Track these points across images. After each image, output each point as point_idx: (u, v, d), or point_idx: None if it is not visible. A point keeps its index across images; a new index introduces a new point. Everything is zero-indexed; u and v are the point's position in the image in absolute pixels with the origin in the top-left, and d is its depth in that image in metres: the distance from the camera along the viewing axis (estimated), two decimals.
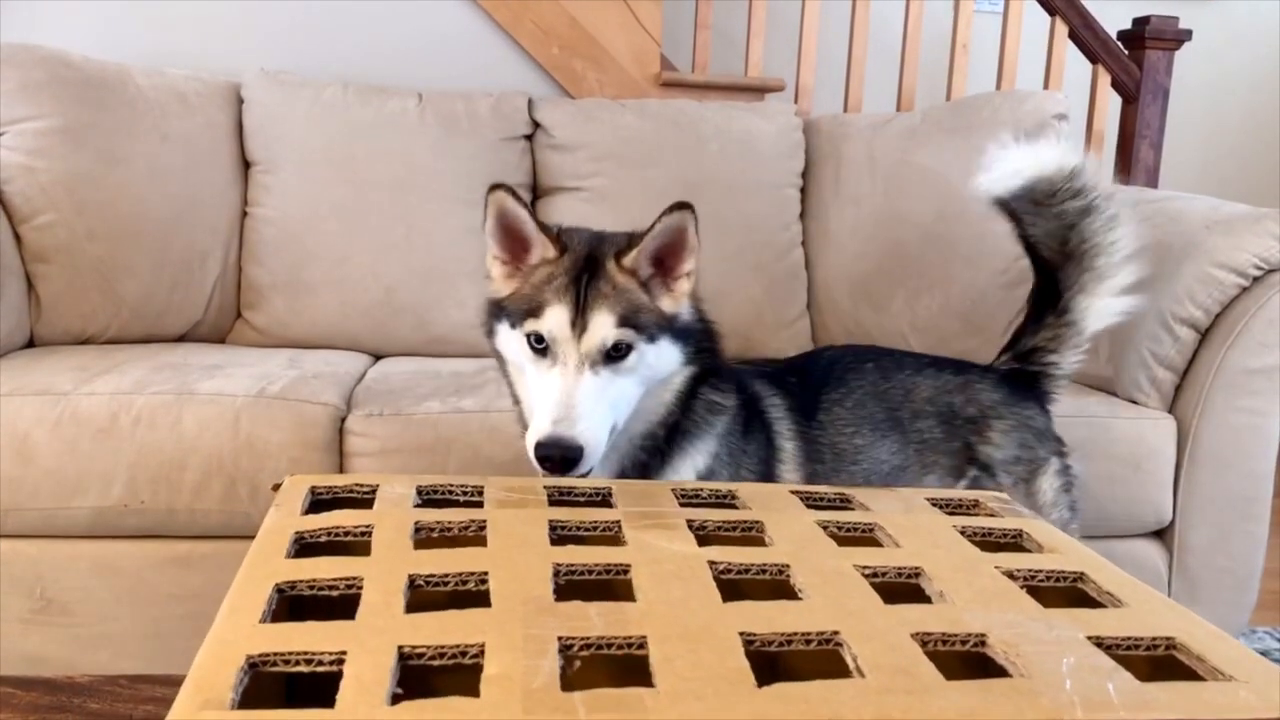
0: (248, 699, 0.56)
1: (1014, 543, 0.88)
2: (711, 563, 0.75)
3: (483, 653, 0.60)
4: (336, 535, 0.80)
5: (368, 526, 0.80)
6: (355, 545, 0.78)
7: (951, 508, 0.96)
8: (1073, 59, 3.08)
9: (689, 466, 1.37)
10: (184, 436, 1.74)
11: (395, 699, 0.55)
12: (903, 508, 0.94)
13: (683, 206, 1.27)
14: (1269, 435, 1.99)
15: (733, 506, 0.92)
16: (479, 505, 0.88)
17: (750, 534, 0.85)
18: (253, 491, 1.75)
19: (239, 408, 1.77)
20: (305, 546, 0.79)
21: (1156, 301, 1.98)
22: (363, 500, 0.88)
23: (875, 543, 0.85)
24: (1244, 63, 3.99)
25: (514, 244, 1.35)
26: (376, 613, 0.65)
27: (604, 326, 1.24)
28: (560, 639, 0.61)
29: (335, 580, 0.70)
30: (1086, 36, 3.05)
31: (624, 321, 1.25)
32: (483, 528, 0.81)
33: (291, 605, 0.70)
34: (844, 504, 0.95)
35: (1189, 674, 0.65)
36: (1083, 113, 3.05)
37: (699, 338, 1.36)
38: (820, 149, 2.63)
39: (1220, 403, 1.95)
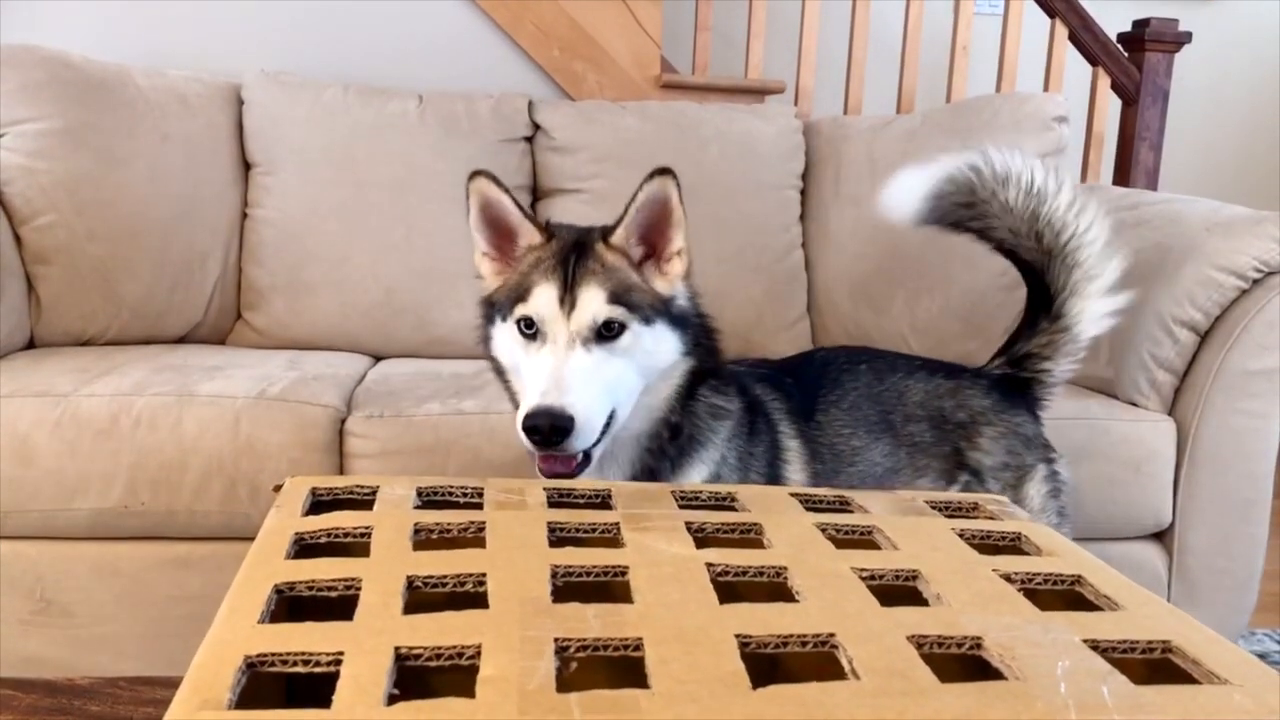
0: (246, 699, 0.56)
1: (1012, 546, 0.89)
2: (709, 565, 0.75)
3: (479, 654, 0.60)
4: (336, 536, 0.80)
5: (367, 528, 0.80)
6: (355, 546, 0.78)
7: (950, 510, 0.96)
8: (1072, 61, 3.08)
9: (697, 474, 1.35)
10: (184, 438, 1.74)
11: (392, 699, 0.55)
12: (902, 510, 0.94)
13: (663, 172, 1.24)
14: (1269, 437, 1.99)
15: (732, 509, 0.92)
16: (478, 507, 0.88)
17: (749, 536, 0.86)
18: (252, 493, 1.75)
19: (239, 409, 1.77)
20: (305, 547, 0.79)
21: (1156, 304, 1.98)
22: (363, 501, 0.88)
23: (873, 545, 0.85)
24: (1244, 64, 3.99)
25: (500, 235, 1.33)
26: (374, 614, 0.65)
27: (594, 302, 1.22)
28: (557, 640, 0.62)
29: (334, 581, 0.71)
30: (1086, 39, 3.05)
31: (615, 299, 1.22)
32: (482, 529, 0.82)
33: (291, 606, 0.70)
34: (843, 506, 0.95)
35: (1185, 677, 0.65)
36: (1083, 115, 3.06)
37: (697, 330, 1.34)
38: (820, 151, 2.63)
39: (1220, 405, 1.96)
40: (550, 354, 1.21)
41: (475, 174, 1.31)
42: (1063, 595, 0.78)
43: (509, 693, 0.55)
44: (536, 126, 2.54)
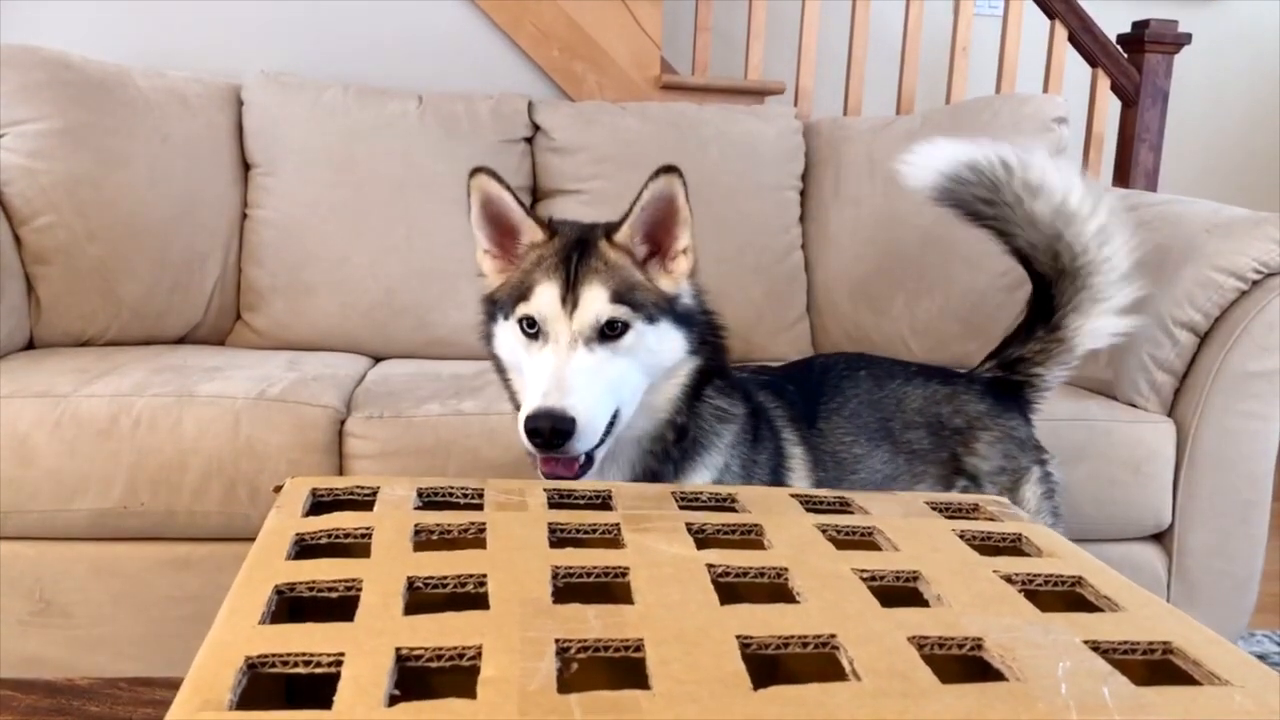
0: (246, 700, 0.56)
1: (1013, 547, 0.89)
2: (710, 566, 0.75)
3: (480, 655, 0.60)
4: (336, 537, 0.80)
5: (368, 528, 0.80)
6: (355, 547, 0.78)
7: (951, 512, 0.96)
8: (1072, 62, 3.09)
9: (700, 478, 1.34)
10: (184, 438, 1.74)
11: (393, 700, 0.55)
12: (902, 511, 0.94)
13: (669, 170, 1.23)
14: (1268, 438, 1.99)
15: (732, 509, 0.92)
16: (479, 508, 0.88)
17: (749, 537, 0.86)
18: (252, 493, 1.75)
19: (239, 410, 1.77)
20: (305, 548, 0.79)
21: (1156, 305, 1.99)
22: (363, 502, 0.88)
23: (874, 546, 0.85)
24: (1244, 65, 3.99)
25: (501, 232, 1.32)
26: (375, 614, 0.65)
27: (596, 301, 1.20)
28: (558, 641, 0.62)
29: (335, 582, 0.70)
30: (1086, 40, 3.05)
31: (618, 298, 1.21)
32: (482, 530, 0.82)
33: (291, 607, 0.70)
34: (843, 507, 0.95)
35: (1185, 678, 0.65)
36: (1082, 116, 3.06)
37: (703, 328, 1.32)
38: (820, 151, 2.63)
39: (1219, 406, 1.96)
40: (552, 354, 1.20)
41: (476, 171, 1.30)
42: (1063, 596, 0.78)
43: (510, 694, 0.55)
44: (536, 127, 2.54)
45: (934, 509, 0.96)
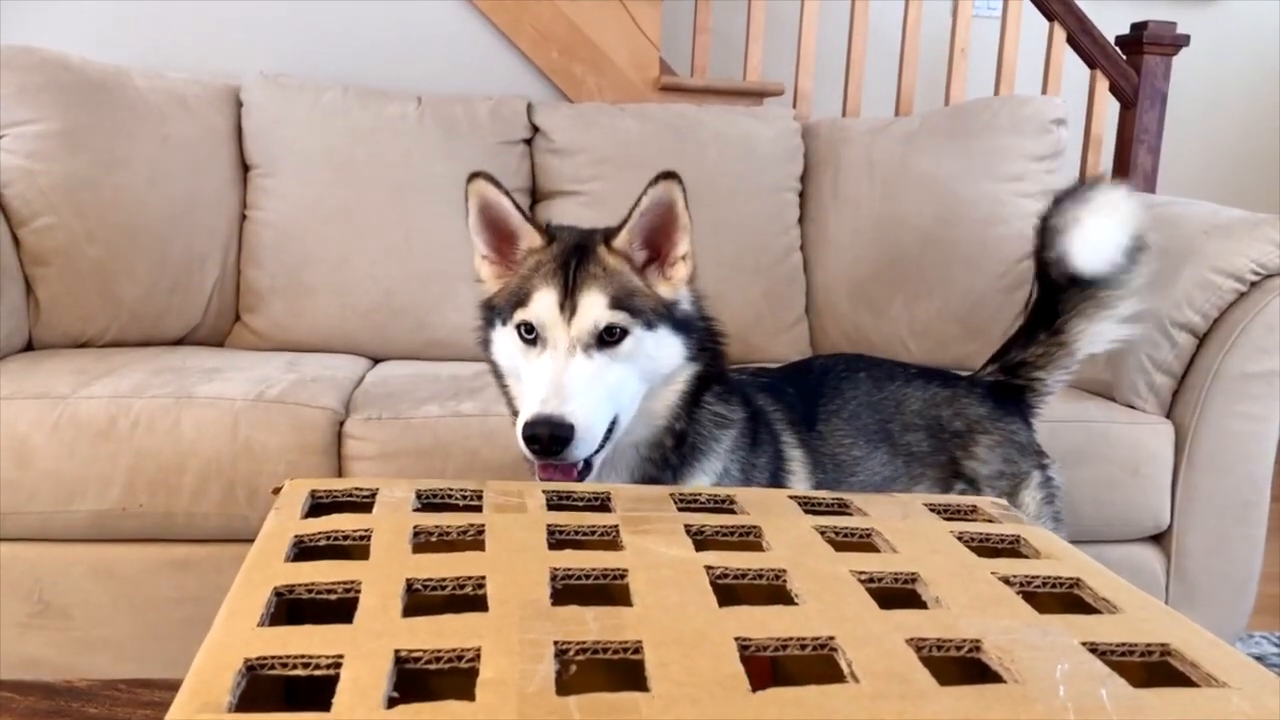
0: (245, 702, 0.56)
1: (1011, 548, 0.89)
2: (708, 567, 0.75)
3: (479, 657, 0.60)
4: (335, 539, 0.81)
5: (366, 530, 0.80)
6: (354, 549, 0.78)
7: (949, 513, 0.96)
8: (1071, 64, 3.09)
9: (699, 484, 1.33)
10: (182, 440, 1.74)
11: (391, 702, 0.55)
12: (900, 513, 0.94)
13: (669, 176, 1.22)
14: (1266, 440, 1.99)
15: (731, 511, 0.92)
16: (478, 509, 0.88)
17: (748, 539, 0.86)
18: (251, 495, 1.75)
19: (238, 411, 1.77)
20: (304, 550, 0.79)
21: (1155, 306, 1.99)
22: (362, 504, 0.88)
23: (872, 548, 0.85)
24: (1242, 67, 3.99)
25: (499, 237, 1.32)
26: (374, 616, 0.65)
27: (595, 308, 1.20)
28: (556, 643, 0.62)
29: (333, 584, 0.71)
30: (1084, 42, 3.06)
31: (617, 304, 1.20)
32: (481, 532, 0.82)
33: (290, 609, 0.70)
34: (842, 509, 0.95)
35: (1183, 680, 0.65)
36: (1081, 117, 3.06)
37: (702, 334, 1.32)
38: (819, 153, 2.63)
39: (1218, 408, 1.96)
40: (550, 360, 1.19)
41: (474, 175, 1.30)
42: (1061, 598, 0.78)
43: (508, 696, 0.55)
44: (535, 129, 2.54)
45: (932, 511, 0.96)
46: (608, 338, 1.21)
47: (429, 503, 0.90)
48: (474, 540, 0.80)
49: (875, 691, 0.58)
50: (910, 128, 2.57)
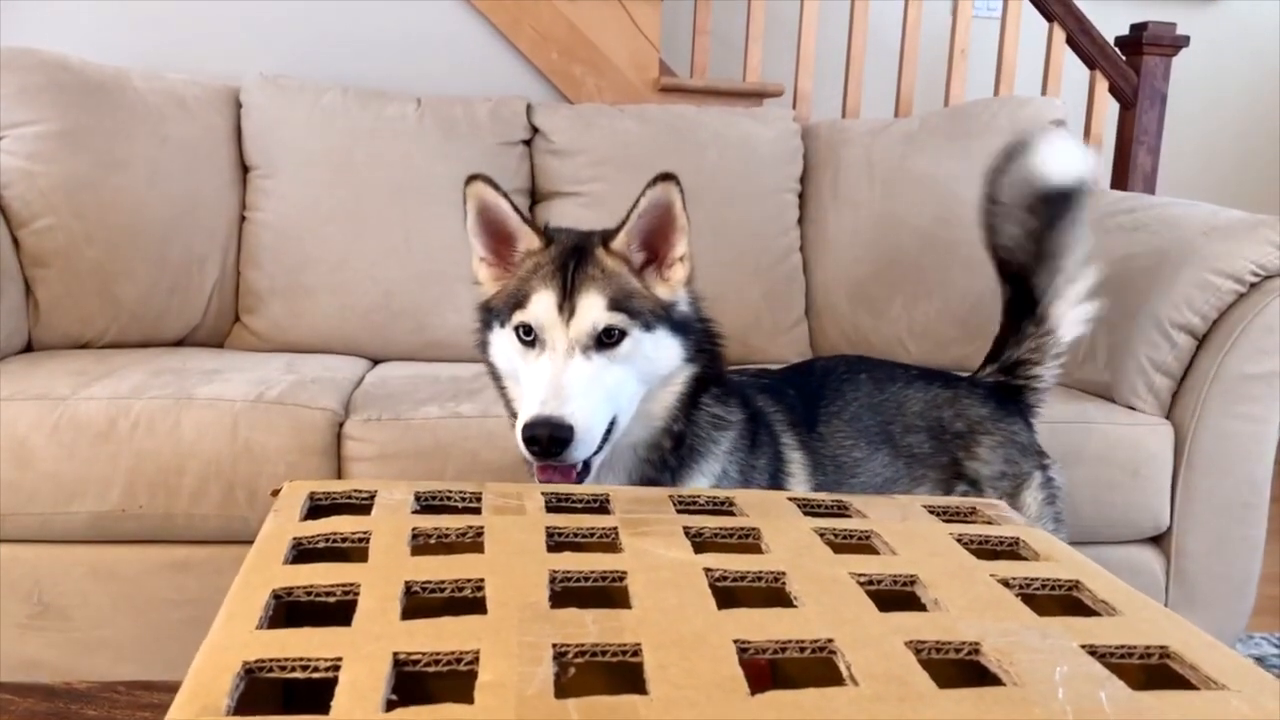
0: (244, 705, 0.57)
1: (1010, 550, 0.89)
2: (707, 570, 0.75)
3: (477, 659, 0.60)
4: (334, 541, 0.80)
5: (365, 533, 0.80)
6: (353, 551, 0.78)
7: (948, 515, 0.96)
8: (1070, 65, 3.09)
9: (698, 487, 1.33)
10: (182, 441, 1.74)
11: (390, 705, 0.55)
12: (900, 515, 0.94)
13: (666, 178, 1.23)
14: (1266, 441, 1.99)
15: (730, 513, 0.92)
16: (477, 512, 0.88)
17: (747, 541, 0.86)
18: (250, 496, 1.75)
19: (237, 413, 1.77)
20: (303, 552, 0.79)
21: (1154, 308, 1.99)
22: (361, 506, 0.88)
23: (872, 550, 0.85)
24: (1242, 68, 3.99)
25: (497, 240, 1.32)
26: (373, 619, 0.65)
27: (593, 309, 1.20)
28: (555, 646, 0.62)
29: (332, 586, 0.71)
30: (1084, 42, 3.06)
31: (615, 305, 1.21)
32: (480, 534, 0.82)
33: (289, 611, 0.70)
34: (841, 511, 0.95)
35: (1182, 683, 0.65)
36: (1081, 118, 3.06)
37: (700, 335, 1.32)
38: (819, 154, 2.63)
39: (1217, 409, 1.96)
40: (549, 361, 1.20)
41: (472, 178, 1.30)
42: (1060, 600, 0.78)
43: (507, 698, 0.55)
44: (535, 130, 2.54)
45: (932, 513, 0.96)
46: (606, 339, 1.21)
47: (428, 505, 0.90)
48: (473, 542, 0.80)
49: (874, 694, 0.58)
50: (910, 128, 2.57)
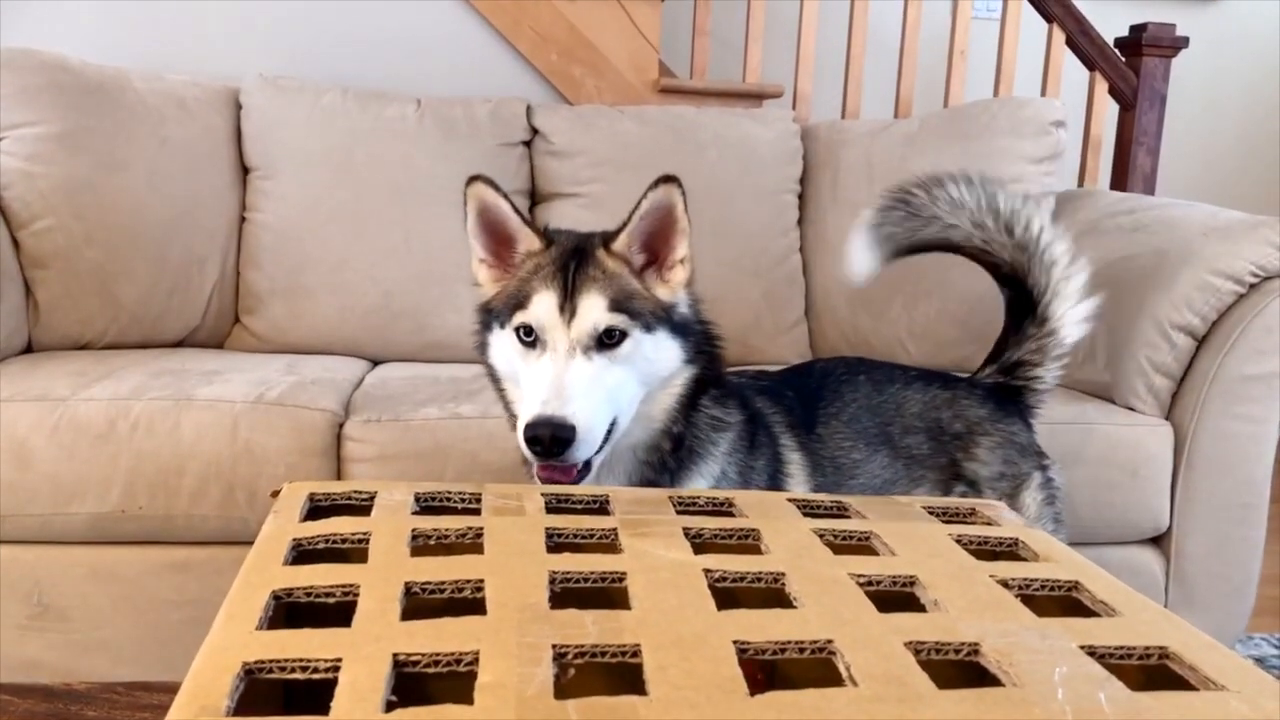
0: (243, 706, 0.56)
1: (1010, 551, 0.89)
2: (707, 570, 0.75)
3: (477, 660, 0.60)
4: (334, 542, 0.80)
5: (365, 533, 0.80)
6: (353, 552, 0.78)
7: (948, 516, 0.96)
8: (1070, 66, 3.09)
9: (697, 488, 1.33)
10: (182, 442, 1.74)
11: (390, 706, 0.55)
12: (899, 516, 0.94)
13: (669, 180, 1.23)
14: (1265, 442, 1.99)
15: (729, 514, 0.92)
16: (476, 512, 0.88)
17: (746, 541, 0.86)
18: (250, 497, 1.75)
19: (237, 413, 1.77)
20: (303, 553, 0.79)
21: (1153, 308, 1.99)
22: (361, 507, 0.88)
23: (871, 551, 0.85)
24: (1241, 68, 4.00)
25: (497, 241, 1.32)
26: (372, 620, 0.65)
27: (594, 310, 1.20)
28: (555, 647, 0.62)
29: (332, 587, 0.71)
30: (1084, 43, 3.06)
31: (616, 306, 1.21)
32: (480, 535, 0.82)
33: (289, 612, 0.70)
34: (840, 512, 0.95)
35: (1182, 684, 0.65)
36: (1080, 119, 3.06)
37: (699, 337, 1.33)
38: (818, 155, 2.63)
39: (1217, 409, 1.96)
40: (550, 362, 1.20)
41: (473, 179, 1.30)
42: (1060, 601, 0.78)
43: (507, 699, 0.55)
44: (535, 131, 2.54)
45: (931, 514, 0.96)
46: (607, 340, 1.21)
47: (427, 506, 0.90)
48: (472, 543, 0.80)
49: (873, 695, 0.58)
50: (909, 129, 2.57)
